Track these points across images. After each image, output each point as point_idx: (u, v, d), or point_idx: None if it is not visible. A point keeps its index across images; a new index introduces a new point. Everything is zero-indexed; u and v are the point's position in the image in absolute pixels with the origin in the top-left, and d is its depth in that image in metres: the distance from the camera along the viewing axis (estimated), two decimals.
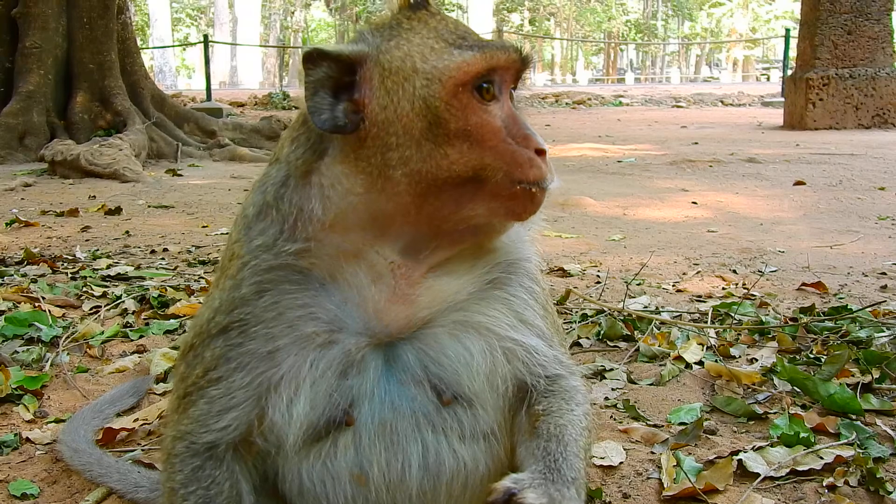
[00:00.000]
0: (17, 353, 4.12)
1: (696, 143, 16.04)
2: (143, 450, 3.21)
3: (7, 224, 7.78)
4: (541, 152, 1.71)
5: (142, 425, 3.37)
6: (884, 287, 5.51)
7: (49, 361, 4.03)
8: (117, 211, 8.79)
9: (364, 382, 1.77)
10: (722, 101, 32.67)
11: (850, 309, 4.60)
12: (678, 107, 31.23)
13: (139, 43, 17.97)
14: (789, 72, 22.76)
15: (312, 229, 1.74)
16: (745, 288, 5.46)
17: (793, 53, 22.08)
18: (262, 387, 1.74)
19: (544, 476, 1.67)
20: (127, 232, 7.58)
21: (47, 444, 3.24)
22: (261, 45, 61.58)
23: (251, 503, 1.86)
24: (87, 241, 7.15)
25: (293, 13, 76.55)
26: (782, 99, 21.98)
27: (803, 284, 5.53)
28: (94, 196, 9.97)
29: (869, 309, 4.56)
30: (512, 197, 1.70)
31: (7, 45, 14.52)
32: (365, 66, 1.72)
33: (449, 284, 1.82)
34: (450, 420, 1.80)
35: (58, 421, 3.43)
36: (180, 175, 12.36)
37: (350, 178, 1.71)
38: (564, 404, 1.87)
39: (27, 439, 3.29)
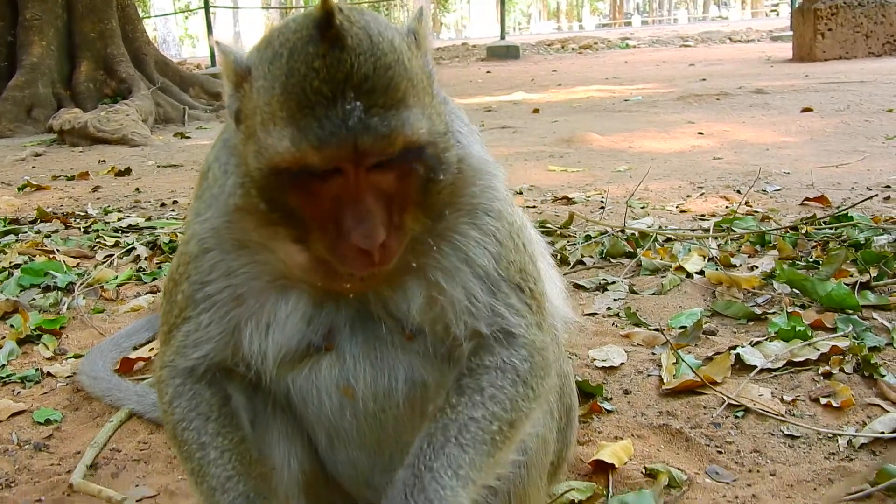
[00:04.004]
0: (35, 300, 4.24)
1: (704, 80, 15.86)
2: None
3: (19, 189, 7.89)
4: (364, 252, 1.49)
5: (157, 354, 3.47)
6: (887, 199, 5.51)
7: (66, 305, 4.14)
8: (127, 172, 8.88)
9: (340, 315, 1.80)
10: (730, 38, 32.20)
11: (850, 217, 4.62)
12: (686, 46, 30.81)
13: (141, 13, 17.85)
14: (797, 4, 22.36)
15: (229, 207, 1.69)
16: (748, 205, 5.48)
17: None
18: (231, 323, 1.78)
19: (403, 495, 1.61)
20: (137, 189, 7.67)
21: (68, 377, 3.37)
22: (263, 8, 61.06)
23: (248, 418, 1.90)
24: (98, 199, 7.25)
25: None
26: (791, 32, 21.63)
27: (806, 199, 5.55)
28: (104, 160, 10.05)
29: (870, 216, 4.58)
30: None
31: (7, 18, 14.50)
32: (246, 82, 1.54)
33: None
34: (417, 348, 1.83)
35: (77, 356, 3.55)
36: (188, 137, 12.42)
37: None
38: (474, 397, 1.71)
39: (48, 374, 3.41)
